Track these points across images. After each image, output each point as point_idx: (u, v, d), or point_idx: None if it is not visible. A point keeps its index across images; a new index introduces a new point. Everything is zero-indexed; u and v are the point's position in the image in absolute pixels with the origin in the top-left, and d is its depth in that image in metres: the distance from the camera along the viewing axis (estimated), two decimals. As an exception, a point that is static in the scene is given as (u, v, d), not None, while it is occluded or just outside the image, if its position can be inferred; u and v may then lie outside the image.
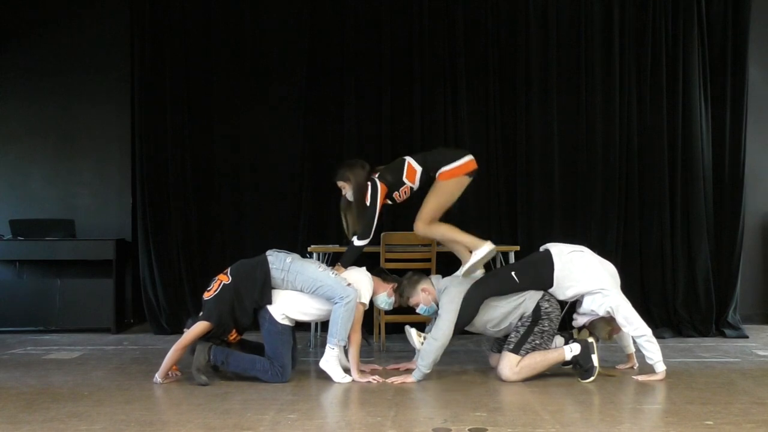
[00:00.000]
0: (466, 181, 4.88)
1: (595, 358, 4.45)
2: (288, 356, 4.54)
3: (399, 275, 4.91)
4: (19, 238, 6.64)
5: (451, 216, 5.17)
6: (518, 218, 6.63)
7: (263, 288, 4.52)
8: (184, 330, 4.55)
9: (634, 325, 4.53)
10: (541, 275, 4.61)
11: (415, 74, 6.66)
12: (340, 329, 4.46)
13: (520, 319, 4.54)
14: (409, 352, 4.69)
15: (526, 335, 4.49)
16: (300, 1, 6.75)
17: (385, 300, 4.77)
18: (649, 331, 4.55)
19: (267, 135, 6.76)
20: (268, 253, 4.65)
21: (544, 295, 4.58)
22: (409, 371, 4.64)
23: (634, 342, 4.73)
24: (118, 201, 7.12)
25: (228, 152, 6.79)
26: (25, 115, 7.14)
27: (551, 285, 4.60)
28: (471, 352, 5.56)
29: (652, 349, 4.53)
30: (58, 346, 5.90)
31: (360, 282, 4.62)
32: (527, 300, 4.56)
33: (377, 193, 4.76)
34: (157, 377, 4.46)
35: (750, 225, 6.77)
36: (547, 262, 4.64)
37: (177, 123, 6.70)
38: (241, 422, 3.55)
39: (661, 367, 4.53)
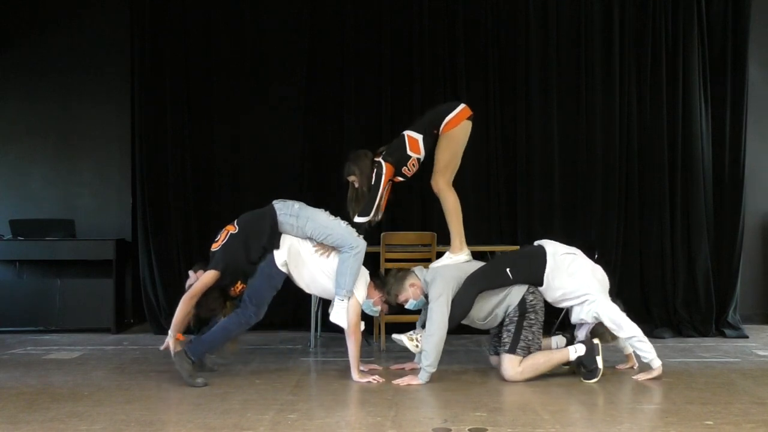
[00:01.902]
0: (469, 125, 4.99)
1: (599, 359, 4.46)
2: (267, 301, 4.54)
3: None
4: (19, 238, 6.64)
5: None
6: (518, 218, 6.63)
7: (272, 235, 4.55)
8: (189, 274, 4.60)
9: (622, 328, 4.55)
10: (533, 271, 4.62)
11: (415, 74, 6.67)
12: (348, 279, 4.49)
13: (507, 314, 4.54)
14: (410, 352, 4.68)
15: (518, 333, 4.49)
16: (300, 1, 6.75)
17: (371, 307, 4.72)
18: (639, 331, 4.55)
19: (267, 135, 6.77)
20: (275, 201, 4.69)
21: (528, 288, 4.58)
22: (414, 371, 4.63)
23: (630, 343, 4.74)
24: (118, 201, 7.11)
25: (228, 152, 6.79)
26: (25, 115, 7.14)
27: (541, 283, 4.61)
28: (471, 352, 5.56)
29: (644, 348, 4.54)
30: (58, 346, 5.90)
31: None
32: (513, 292, 4.56)
33: (382, 172, 4.85)
34: (171, 332, 4.41)
35: (750, 225, 6.77)
36: (540, 259, 4.65)
37: (177, 123, 6.70)
38: (241, 422, 3.55)
39: (657, 363, 4.54)
